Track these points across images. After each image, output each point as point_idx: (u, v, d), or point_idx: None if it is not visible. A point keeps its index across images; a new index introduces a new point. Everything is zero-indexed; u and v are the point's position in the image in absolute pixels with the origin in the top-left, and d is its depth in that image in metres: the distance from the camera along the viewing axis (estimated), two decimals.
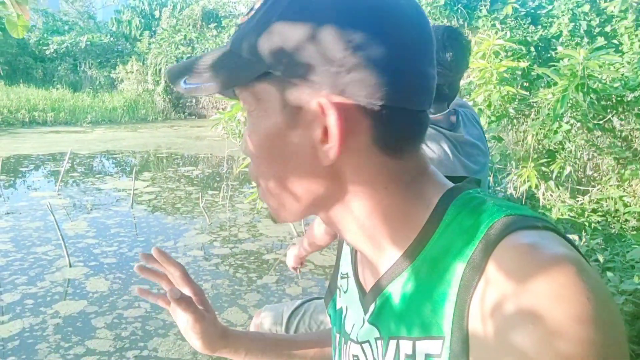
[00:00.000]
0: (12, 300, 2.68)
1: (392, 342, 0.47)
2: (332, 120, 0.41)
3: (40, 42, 16.52)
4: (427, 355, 0.43)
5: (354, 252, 0.61)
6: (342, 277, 0.64)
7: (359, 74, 0.41)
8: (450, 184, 0.49)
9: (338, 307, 0.64)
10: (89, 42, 16.49)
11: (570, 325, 0.32)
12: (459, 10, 6.13)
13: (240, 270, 3.23)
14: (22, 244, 3.58)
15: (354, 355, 0.56)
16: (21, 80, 14.96)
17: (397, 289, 0.48)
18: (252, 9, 0.46)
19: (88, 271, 3.11)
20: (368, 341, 0.52)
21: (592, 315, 0.33)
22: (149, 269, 0.72)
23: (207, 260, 3.38)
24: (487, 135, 3.34)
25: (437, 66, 1.28)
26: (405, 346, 0.45)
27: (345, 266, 0.63)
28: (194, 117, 15.06)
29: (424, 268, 0.45)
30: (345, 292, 0.62)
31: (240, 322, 2.53)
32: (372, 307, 0.52)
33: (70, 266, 3.15)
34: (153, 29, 17.39)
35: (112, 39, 17.40)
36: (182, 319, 0.71)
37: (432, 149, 1.17)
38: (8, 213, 4.38)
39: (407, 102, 0.43)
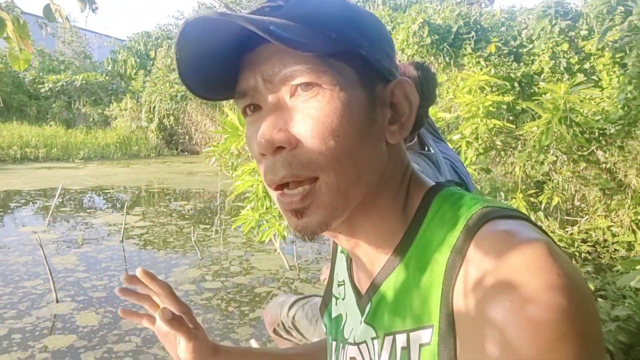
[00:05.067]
0: None
1: (388, 339, 0.49)
2: (413, 99, 0.48)
3: (36, 80, 16.76)
4: (421, 345, 0.44)
5: (349, 259, 0.63)
6: (339, 285, 0.65)
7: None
8: (432, 182, 0.53)
9: (334, 315, 0.65)
10: (84, 81, 16.74)
11: (541, 293, 0.35)
12: (445, 49, 6.38)
13: (232, 304, 3.19)
14: (10, 278, 3.52)
15: (351, 358, 0.57)
16: (14, 118, 15.06)
17: (390, 287, 0.50)
18: None
19: (77, 305, 3.05)
20: (365, 342, 0.54)
21: (563, 285, 0.35)
22: (131, 290, 0.70)
23: (199, 295, 3.33)
24: (475, 167, 3.43)
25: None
26: (400, 340, 0.47)
27: (342, 274, 0.65)
28: (186, 153, 15.14)
29: (412, 262, 0.47)
30: (343, 299, 0.63)
31: None
32: (367, 308, 0.53)
33: (58, 302, 3.09)
34: (148, 68, 17.72)
35: (107, 77, 17.69)
36: (172, 340, 0.70)
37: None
38: None
39: None
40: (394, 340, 0.48)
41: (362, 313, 0.55)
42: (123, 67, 18.34)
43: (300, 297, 1.56)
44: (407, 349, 0.46)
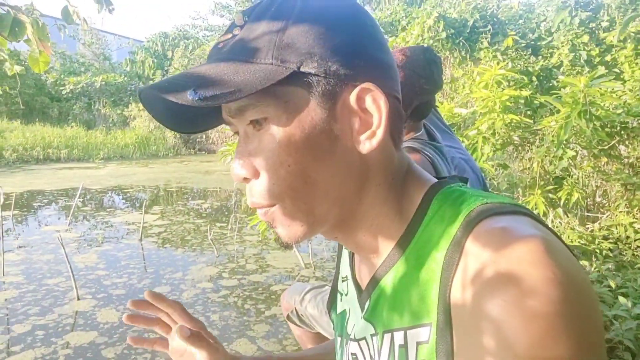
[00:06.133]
0: (23, 331, 2.69)
1: (387, 336, 0.49)
2: (382, 104, 0.45)
3: (57, 82, 17.15)
4: (418, 343, 0.44)
5: (352, 255, 0.63)
6: (342, 281, 0.66)
7: (381, 69, 0.47)
8: (434, 180, 0.52)
9: (339, 310, 0.66)
10: (103, 82, 17.06)
11: (536, 287, 0.35)
12: (461, 43, 6.30)
13: (249, 301, 3.21)
14: (33, 276, 3.62)
15: (352, 354, 0.57)
16: (37, 119, 15.45)
17: (389, 283, 0.50)
18: (234, 25, 0.47)
19: (98, 302, 3.12)
20: (364, 338, 0.54)
21: (558, 280, 0.35)
22: (139, 316, 0.70)
23: (216, 292, 3.37)
24: (492, 163, 3.38)
25: (425, 84, 1.33)
26: (398, 337, 0.47)
27: (345, 269, 0.65)
28: (203, 152, 15.30)
29: (412, 258, 0.47)
30: (346, 295, 0.63)
31: (249, 353, 2.50)
32: (367, 304, 0.54)
33: (79, 299, 3.16)
34: (165, 68, 17.96)
35: (126, 78, 17.99)
36: (190, 357, 0.69)
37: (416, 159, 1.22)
38: (20, 247, 4.44)
39: (398, 91, 0.49)
40: (392, 338, 0.48)
41: (362, 309, 0.55)
42: (141, 67, 18.62)
43: (314, 287, 1.61)
44: (404, 346, 0.46)
